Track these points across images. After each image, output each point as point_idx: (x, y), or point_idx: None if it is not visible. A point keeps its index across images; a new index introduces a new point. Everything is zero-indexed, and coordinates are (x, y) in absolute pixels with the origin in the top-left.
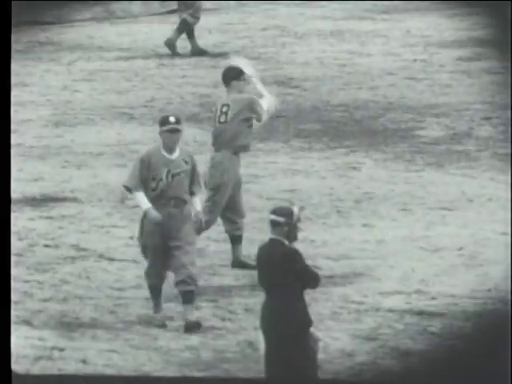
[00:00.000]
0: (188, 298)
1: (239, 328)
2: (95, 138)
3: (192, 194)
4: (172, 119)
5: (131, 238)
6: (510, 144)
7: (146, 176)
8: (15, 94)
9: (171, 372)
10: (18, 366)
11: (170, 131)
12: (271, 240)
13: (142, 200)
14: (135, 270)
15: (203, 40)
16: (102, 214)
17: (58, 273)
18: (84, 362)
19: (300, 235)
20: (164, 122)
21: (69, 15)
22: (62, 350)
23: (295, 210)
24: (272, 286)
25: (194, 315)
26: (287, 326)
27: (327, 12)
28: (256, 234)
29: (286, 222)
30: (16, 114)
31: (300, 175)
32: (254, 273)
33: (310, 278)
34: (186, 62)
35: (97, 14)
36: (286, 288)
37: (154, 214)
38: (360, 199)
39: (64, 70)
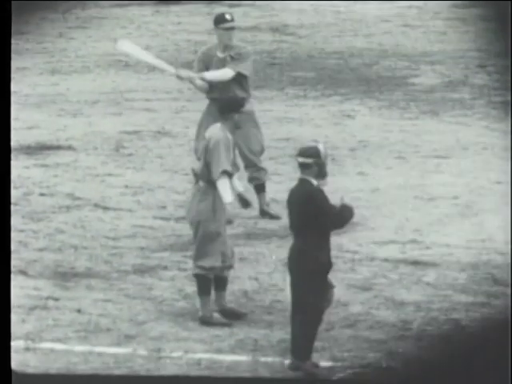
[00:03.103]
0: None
1: (234, 277)
2: (90, 86)
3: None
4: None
5: (126, 186)
6: (504, 92)
7: None
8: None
9: (166, 321)
10: (13, 316)
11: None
12: (300, 180)
13: (227, 187)
14: (130, 219)
15: None
16: (97, 162)
17: (53, 222)
18: (79, 311)
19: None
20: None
21: None
22: (57, 299)
23: (321, 147)
24: (298, 226)
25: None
26: (309, 265)
27: None
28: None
29: (314, 161)
30: (12, 62)
31: (295, 123)
32: (248, 221)
33: (333, 218)
34: (181, 9)
35: None
36: (311, 228)
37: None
38: (355, 147)
39: (60, 17)
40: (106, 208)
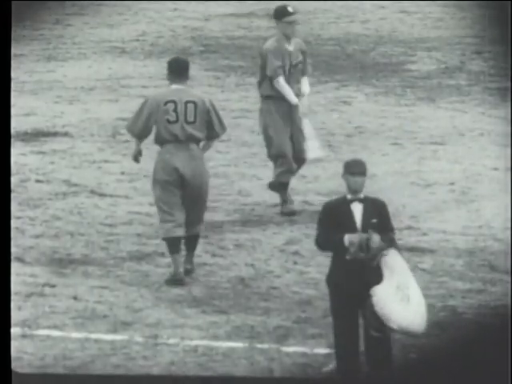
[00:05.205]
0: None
1: (230, 264)
2: (87, 73)
3: None
4: None
5: (123, 173)
6: (501, 78)
7: None
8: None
9: (162, 308)
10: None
11: None
12: None
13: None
14: (126, 205)
15: None
16: (94, 149)
17: (50, 208)
18: (75, 298)
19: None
20: None
21: None
22: (53, 286)
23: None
24: None
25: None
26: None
27: None
28: (246, 169)
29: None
30: None
31: None
32: (245, 208)
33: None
34: None
35: None
36: None
37: None
38: (351, 133)
39: (56, 4)
40: (102, 195)
